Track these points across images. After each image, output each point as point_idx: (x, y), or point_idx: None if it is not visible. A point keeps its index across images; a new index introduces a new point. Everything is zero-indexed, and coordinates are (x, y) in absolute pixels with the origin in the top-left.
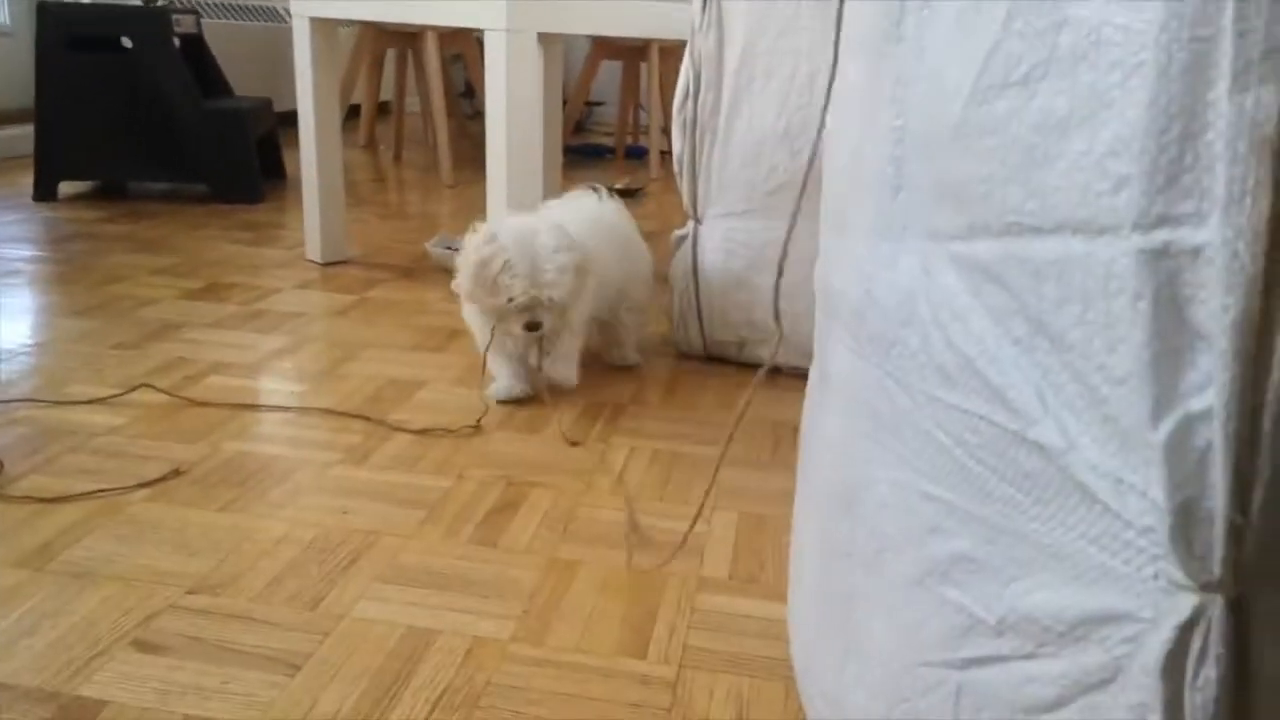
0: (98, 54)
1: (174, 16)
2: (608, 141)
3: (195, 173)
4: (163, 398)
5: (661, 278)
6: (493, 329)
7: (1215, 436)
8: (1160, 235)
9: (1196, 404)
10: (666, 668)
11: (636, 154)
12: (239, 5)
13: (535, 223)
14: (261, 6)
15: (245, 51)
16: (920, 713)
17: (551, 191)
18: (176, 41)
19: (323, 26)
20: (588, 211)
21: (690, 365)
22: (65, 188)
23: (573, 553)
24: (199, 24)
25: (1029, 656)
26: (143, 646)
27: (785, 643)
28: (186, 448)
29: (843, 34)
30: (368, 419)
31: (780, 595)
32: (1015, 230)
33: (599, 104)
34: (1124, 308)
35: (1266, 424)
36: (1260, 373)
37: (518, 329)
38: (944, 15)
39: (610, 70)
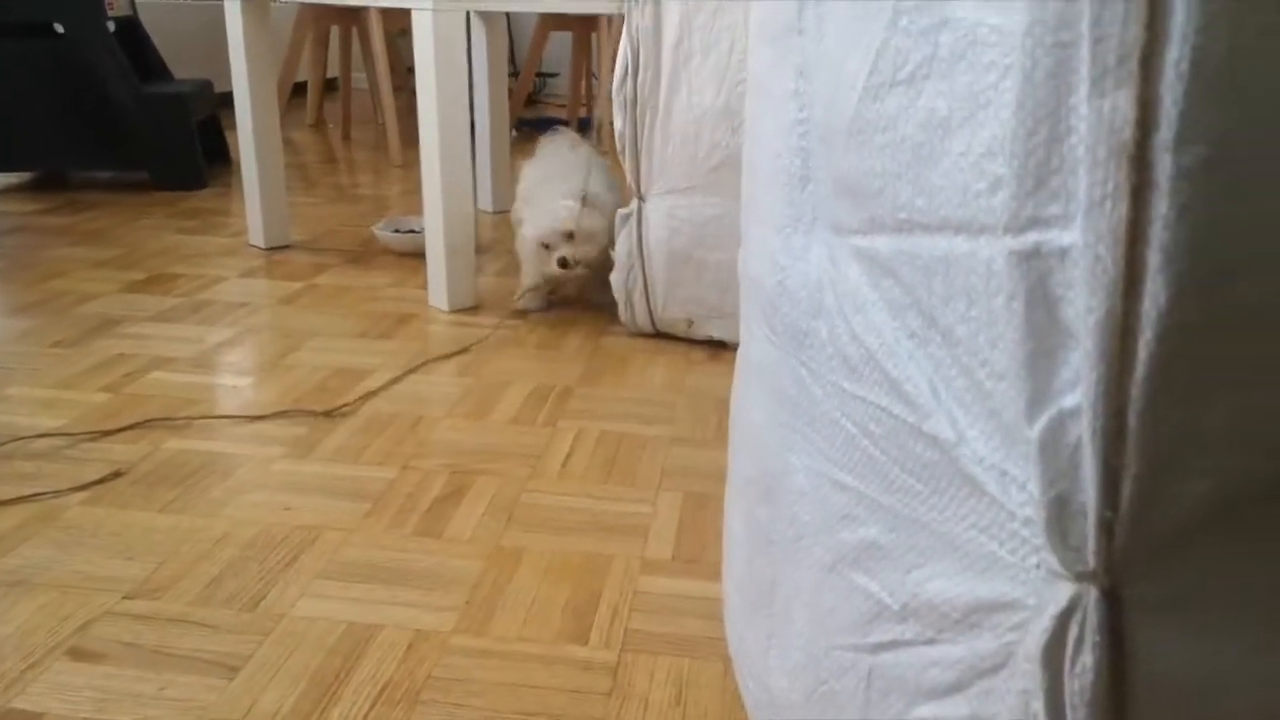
0: (29, 40)
1: None
2: (561, 114)
3: (135, 160)
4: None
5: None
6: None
7: (1084, 433)
8: (1031, 236)
9: (1068, 401)
10: (608, 652)
11: (590, 126)
12: None
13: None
14: None
15: (183, 33)
16: (836, 695)
17: (500, 166)
18: (111, 25)
19: (254, 4)
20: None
21: (640, 343)
22: (0, 179)
23: (517, 540)
24: (134, 5)
25: (930, 642)
26: (79, 655)
27: (724, 623)
28: (127, 448)
29: (752, 22)
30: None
31: (721, 575)
32: (907, 227)
33: (552, 75)
34: (1001, 306)
35: (1132, 421)
36: (1124, 372)
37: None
38: (840, 8)
39: (562, 40)
